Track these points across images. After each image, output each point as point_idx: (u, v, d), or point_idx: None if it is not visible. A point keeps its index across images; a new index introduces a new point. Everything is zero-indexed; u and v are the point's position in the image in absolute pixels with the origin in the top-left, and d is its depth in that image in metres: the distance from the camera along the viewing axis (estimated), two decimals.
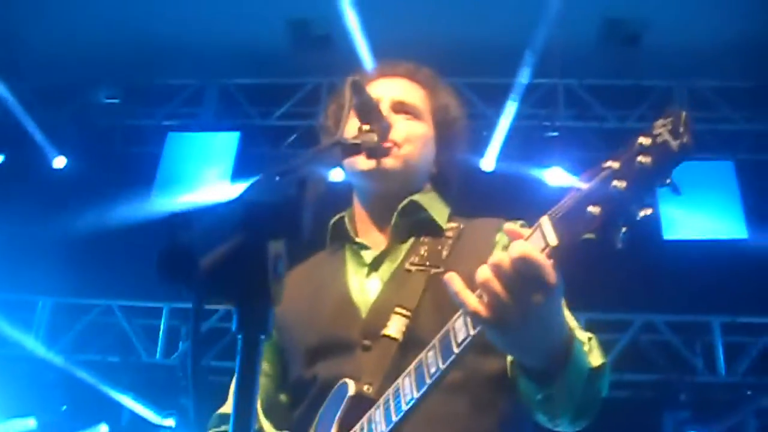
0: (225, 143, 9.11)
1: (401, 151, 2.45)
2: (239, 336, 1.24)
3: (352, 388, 2.17)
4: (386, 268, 2.42)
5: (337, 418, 2.16)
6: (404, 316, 2.24)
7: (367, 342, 2.26)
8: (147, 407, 8.61)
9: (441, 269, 2.30)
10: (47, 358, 8.79)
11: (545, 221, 1.69)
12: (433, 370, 1.93)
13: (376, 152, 2.30)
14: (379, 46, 8.50)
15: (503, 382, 2.18)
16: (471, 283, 2.12)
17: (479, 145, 8.93)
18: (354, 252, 2.50)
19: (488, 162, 8.93)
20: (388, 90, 2.54)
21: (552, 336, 1.80)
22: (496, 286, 1.67)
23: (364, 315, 2.32)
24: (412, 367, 2.01)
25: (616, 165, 1.60)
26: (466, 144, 2.72)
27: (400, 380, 2.04)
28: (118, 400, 8.57)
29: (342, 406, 2.17)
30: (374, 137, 2.16)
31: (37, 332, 9.07)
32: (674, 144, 1.55)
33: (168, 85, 9.63)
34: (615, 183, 1.58)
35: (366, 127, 2.15)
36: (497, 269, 1.67)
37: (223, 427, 2.48)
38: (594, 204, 1.60)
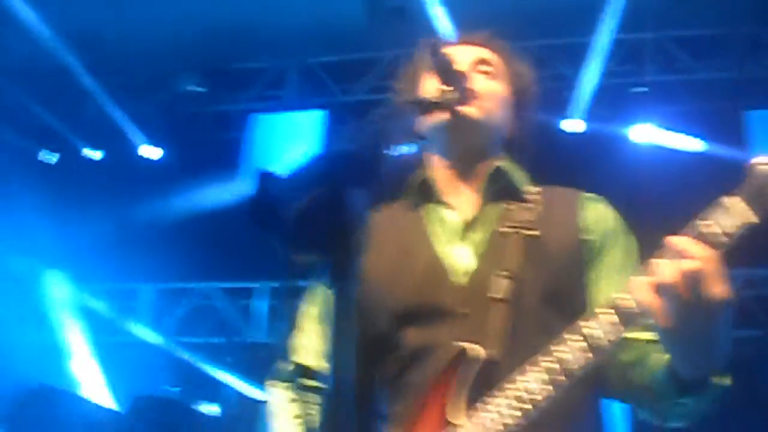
0: (311, 122, 9.21)
1: (482, 103, 2.41)
2: (331, 287, 1.27)
3: (480, 352, 2.16)
4: (478, 234, 2.39)
5: (463, 384, 2.15)
6: (508, 278, 2.25)
7: (466, 310, 2.25)
8: (253, 386, 8.84)
9: (536, 231, 2.32)
10: (155, 342, 9.07)
11: (730, 201, 1.80)
12: (612, 337, 1.96)
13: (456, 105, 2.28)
14: (456, 13, 8.47)
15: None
16: (562, 250, 2.30)
17: (563, 106, 8.83)
18: (435, 213, 2.46)
19: (574, 123, 8.81)
20: (467, 53, 2.52)
21: (719, 342, 1.86)
22: (678, 289, 1.74)
23: (462, 282, 2.30)
24: (570, 334, 2.02)
25: None
26: (538, 112, 2.71)
27: (559, 347, 2.03)
28: (225, 380, 8.82)
29: (470, 372, 2.16)
30: (456, 95, 2.16)
31: (141, 318, 9.35)
32: None
33: (250, 68, 9.76)
34: None
35: (446, 87, 2.14)
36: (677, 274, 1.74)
37: (299, 380, 2.42)
38: None
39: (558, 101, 8.90)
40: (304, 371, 2.37)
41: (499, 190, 2.46)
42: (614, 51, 8.75)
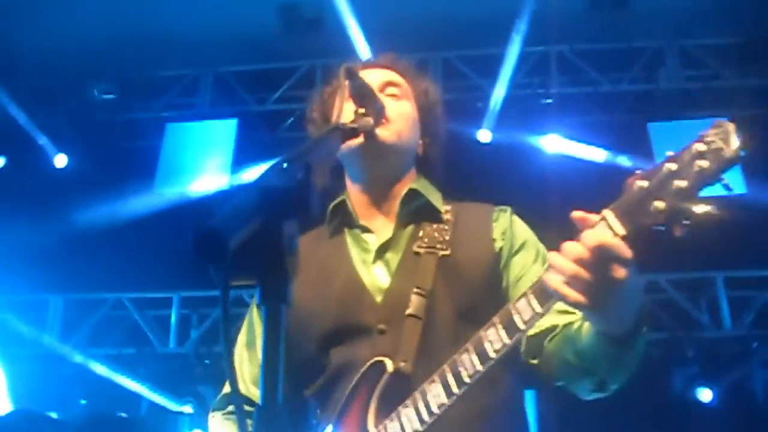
0: (223, 131, 9.19)
1: (393, 126, 2.53)
2: (263, 307, 1.36)
3: (390, 365, 2.28)
4: (393, 254, 2.52)
5: (375, 395, 2.27)
6: (421, 296, 2.38)
7: (383, 326, 2.37)
8: (164, 396, 8.75)
9: (448, 251, 2.46)
10: (63, 354, 8.90)
11: (609, 214, 1.90)
12: (498, 346, 2.12)
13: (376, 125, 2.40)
14: (370, 26, 8.57)
15: (509, 359, 2.31)
16: (476, 266, 2.44)
17: (475, 116, 9.01)
18: (354, 236, 2.59)
19: (485, 133, 9.01)
20: (375, 77, 2.62)
21: (634, 305, 2.00)
22: (585, 274, 1.86)
23: (378, 300, 2.42)
24: (469, 344, 2.17)
25: (674, 167, 1.84)
26: (445, 127, 2.83)
27: (457, 356, 2.17)
28: (135, 390, 8.70)
29: (380, 384, 2.27)
30: (370, 121, 2.28)
31: (51, 330, 9.17)
32: (728, 150, 1.80)
33: (163, 76, 9.69)
34: (677, 182, 1.82)
35: (362, 110, 2.26)
36: (580, 261, 1.86)
37: (229, 408, 2.58)
38: (658, 200, 1.84)
39: (472, 112, 9.07)
40: (241, 400, 2.45)
41: (413, 211, 2.59)
42: (522, 63, 8.99)
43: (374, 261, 2.52)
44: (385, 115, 2.45)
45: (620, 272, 1.85)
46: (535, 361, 2.36)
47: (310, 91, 8.93)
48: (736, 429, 8.04)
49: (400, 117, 2.57)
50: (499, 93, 8.90)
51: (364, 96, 2.29)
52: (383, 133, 2.48)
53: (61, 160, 9.52)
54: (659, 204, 1.82)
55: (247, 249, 1.30)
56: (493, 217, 2.57)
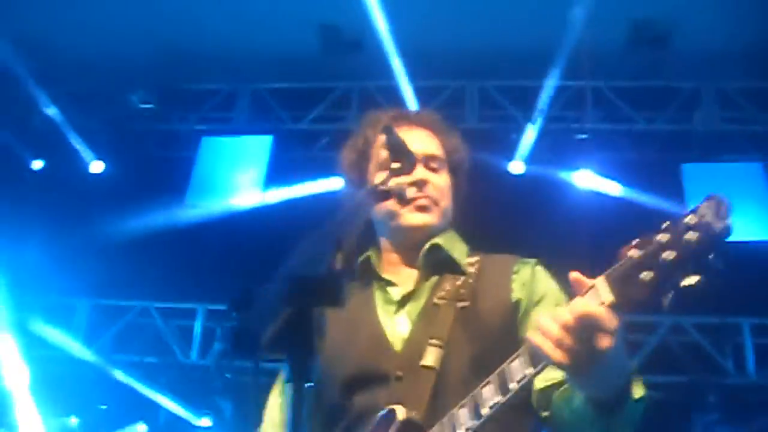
0: (258, 147, 9.26)
1: (441, 207, 2.67)
2: (289, 383, 1.50)
3: (401, 413, 2.33)
4: (414, 305, 2.60)
5: None
6: (438, 347, 2.44)
7: (400, 373, 2.43)
8: (183, 407, 8.81)
9: (467, 303, 2.53)
10: (87, 358, 8.98)
11: (601, 282, 1.93)
12: (491, 403, 2.16)
13: (417, 206, 2.59)
14: (409, 51, 8.63)
15: (528, 408, 2.41)
16: (493, 317, 2.50)
17: (508, 148, 9.03)
18: (381, 288, 2.68)
19: (517, 165, 9.02)
20: (414, 142, 2.63)
21: (618, 372, 2.02)
22: (568, 341, 1.90)
23: (397, 348, 2.50)
24: (466, 400, 2.22)
25: (665, 238, 1.85)
26: (469, 182, 2.90)
27: (456, 410, 2.23)
28: (155, 399, 8.76)
29: (392, 429, 2.32)
30: (404, 183, 2.41)
31: (76, 333, 9.25)
32: (717, 225, 1.78)
33: (201, 90, 9.80)
34: (665, 254, 1.83)
35: (396, 165, 2.31)
36: (566, 327, 1.90)
37: None
38: (647, 270, 1.85)
39: (506, 143, 9.09)
40: None
41: (437, 264, 2.66)
42: (558, 96, 9.00)
43: (396, 311, 2.60)
44: (431, 195, 2.61)
45: (604, 342, 1.88)
46: (546, 413, 2.40)
47: (346, 112, 9.05)
48: None
49: (444, 194, 2.69)
50: (534, 125, 8.92)
51: (399, 152, 2.35)
52: (432, 218, 2.63)
53: (97, 167, 9.62)
54: (647, 275, 1.84)
55: (279, 336, 1.47)
56: (515, 269, 2.61)
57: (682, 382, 8.38)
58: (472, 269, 2.63)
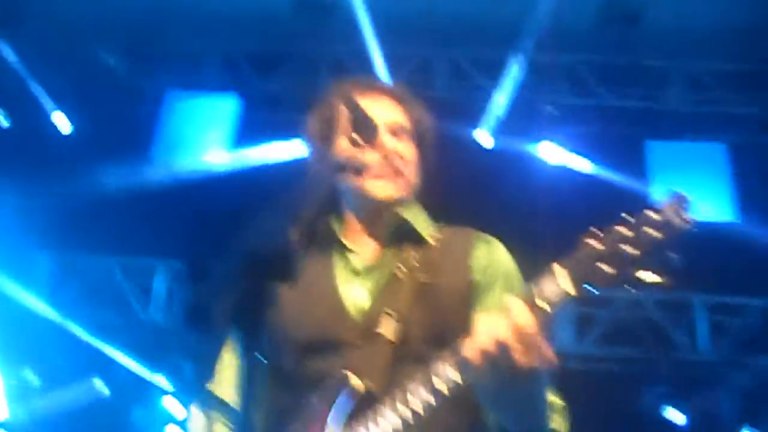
0: (225, 107, 9.22)
1: (405, 177, 2.63)
2: (241, 354, 1.57)
3: (356, 382, 2.34)
4: (375, 276, 2.58)
5: (334, 407, 2.33)
6: (396, 320, 2.44)
7: (358, 342, 2.43)
8: (141, 364, 8.83)
9: (428, 277, 2.52)
10: (47, 313, 8.96)
11: (558, 270, 1.98)
12: (419, 406, 2.16)
13: (379, 175, 2.55)
14: (380, 18, 8.60)
15: None
16: (452, 294, 2.49)
17: (476, 118, 9.05)
18: (341, 255, 2.65)
19: (483, 135, 9.03)
20: (379, 111, 2.64)
21: (536, 407, 2.10)
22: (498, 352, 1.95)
23: (356, 318, 2.49)
24: (423, 375, 2.19)
25: (626, 232, 1.91)
26: (434, 152, 2.90)
27: (412, 387, 2.21)
28: (113, 356, 8.78)
29: (345, 399, 2.33)
30: (367, 155, 2.42)
31: (37, 288, 9.22)
32: (679, 224, 1.86)
33: (170, 49, 9.71)
34: (626, 248, 1.90)
35: (357, 136, 2.32)
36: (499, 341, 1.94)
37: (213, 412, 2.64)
38: (608, 264, 1.91)
39: (472, 112, 9.11)
40: (219, 402, 2.52)
41: (400, 235, 2.64)
42: (529, 68, 9.01)
43: (355, 281, 2.58)
44: (397, 165, 2.57)
45: (531, 358, 1.92)
46: None
47: (315, 76, 8.96)
48: None
49: (409, 165, 2.65)
50: (502, 96, 8.93)
51: (365, 127, 2.36)
52: (400, 188, 2.59)
53: (61, 120, 9.53)
54: (608, 268, 1.90)
55: (232, 307, 1.54)
56: (475, 246, 2.61)
57: (635, 356, 8.49)
58: (434, 243, 2.63)
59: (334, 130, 2.65)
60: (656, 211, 1.86)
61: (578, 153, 9.04)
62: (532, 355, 1.93)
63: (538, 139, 9.05)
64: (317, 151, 2.72)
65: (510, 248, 2.62)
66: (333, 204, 2.72)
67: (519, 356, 1.92)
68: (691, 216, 1.84)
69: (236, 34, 9.42)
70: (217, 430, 2.57)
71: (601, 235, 1.94)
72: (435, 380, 2.15)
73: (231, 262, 1.55)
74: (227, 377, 2.63)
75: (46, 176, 8.67)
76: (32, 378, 8.34)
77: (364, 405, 2.31)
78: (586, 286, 1.93)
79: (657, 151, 8.94)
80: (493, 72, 9.09)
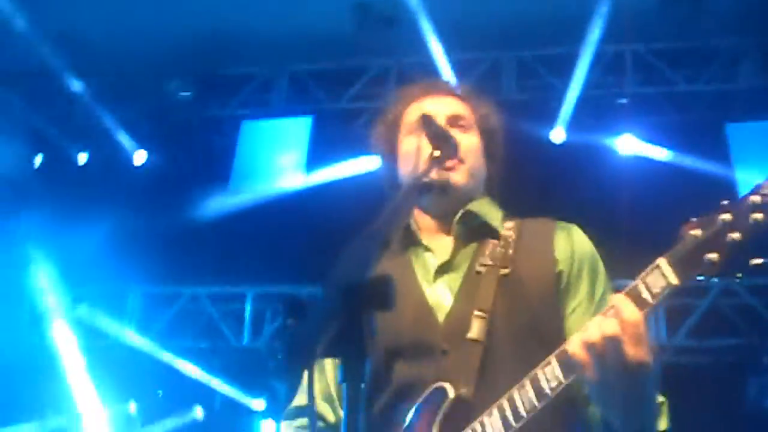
0: (298, 129, 9.28)
1: (466, 165, 2.63)
2: (344, 384, 1.52)
3: (451, 391, 2.31)
4: (454, 274, 2.56)
5: (437, 420, 2.30)
6: (482, 318, 2.40)
7: (446, 346, 2.40)
8: (238, 390, 8.93)
9: (508, 269, 2.50)
10: (141, 345, 9.11)
11: (663, 263, 1.95)
12: (554, 384, 2.13)
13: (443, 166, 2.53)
14: (443, 24, 8.58)
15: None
16: (537, 284, 2.46)
17: (549, 117, 8.96)
18: (418, 255, 2.63)
19: (558, 133, 8.94)
20: (439, 107, 2.69)
21: (645, 405, 2.06)
22: (607, 351, 1.95)
23: (441, 320, 2.46)
24: (526, 380, 2.18)
25: (729, 218, 1.86)
26: (503, 149, 2.89)
27: (515, 392, 2.19)
28: (210, 384, 8.89)
29: (442, 409, 2.30)
30: (446, 176, 2.53)
31: (130, 321, 9.39)
32: None
33: (237, 74, 9.80)
34: (731, 234, 1.85)
35: (437, 152, 2.32)
36: (609, 337, 1.94)
37: (298, 421, 2.66)
38: (712, 251, 1.87)
39: (546, 111, 9.02)
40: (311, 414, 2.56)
41: (473, 230, 2.62)
42: (597, 62, 8.89)
43: (435, 280, 2.56)
44: (459, 156, 2.54)
45: (637, 353, 1.92)
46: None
47: (383, 89, 8.97)
48: None
49: (470, 153, 2.65)
50: (573, 93, 8.83)
51: (439, 138, 2.35)
52: (457, 177, 2.59)
53: (140, 157, 9.70)
54: (713, 256, 1.87)
55: (333, 341, 1.51)
56: (555, 235, 2.58)
57: (735, 344, 8.31)
58: (509, 234, 2.59)
59: (399, 130, 2.72)
60: (756, 193, 1.82)
61: (656, 143, 8.87)
62: (641, 349, 1.92)
63: (613, 133, 8.90)
64: (384, 154, 2.79)
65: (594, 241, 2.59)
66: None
67: (629, 351, 1.91)
68: None
69: (302, 54, 9.47)
70: None
71: (702, 223, 1.91)
72: (541, 381, 2.13)
73: (326, 295, 1.55)
74: (320, 390, 2.64)
75: (129, 213, 8.84)
76: (135, 410, 8.50)
77: (460, 412, 2.29)
78: (692, 276, 1.91)
79: (738, 133, 8.72)
80: (562, 68, 8.99)
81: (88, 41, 9.04)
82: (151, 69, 9.48)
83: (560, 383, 2.09)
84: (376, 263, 2.62)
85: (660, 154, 8.86)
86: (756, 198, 1.83)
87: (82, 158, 9.81)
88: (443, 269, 2.56)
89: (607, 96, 9.17)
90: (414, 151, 2.59)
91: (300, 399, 2.68)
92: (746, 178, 8.21)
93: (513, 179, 2.86)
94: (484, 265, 2.50)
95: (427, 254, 2.62)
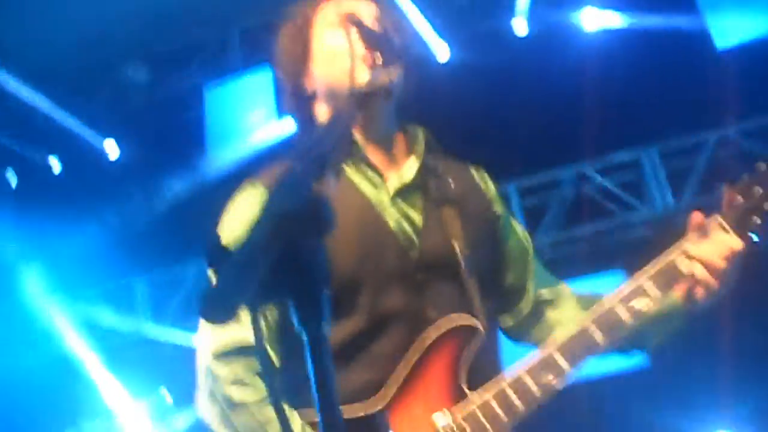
0: (260, 83, 9.07)
1: (402, 72, 2.42)
2: (304, 332, 1.26)
3: (479, 326, 2.25)
4: (414, 199, 2.39)
5: (465, 355, 2.22)
6: (458, 249, 2.32)
7: (421, 276, 2.27)
8: None
9: (460, 205, 2.40)
10: (158, 335, 9.00)
11: (722, 221, 2.29)
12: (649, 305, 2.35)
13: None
14: None
15: None
16: (482, 220, 2.44)
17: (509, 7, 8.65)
18: (361, 172, 2.42)
19: (519, 23, 8.65)
20: (362, 7, 2.47)
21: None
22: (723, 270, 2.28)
23: (411, 246, 2.30)
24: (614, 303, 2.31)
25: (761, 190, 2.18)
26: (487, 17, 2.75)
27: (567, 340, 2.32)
28: None
29: (471, 345, 2.22)
30: (385, 78, 2.28)
31: (144, 311, 9.26)
32: None
33: (189, 44, 9.54)
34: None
35: (379, 58, 2.23)
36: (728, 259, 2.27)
37: (242, 361, 2.32)
38: (756, 215, 2.26)
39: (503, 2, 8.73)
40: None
41: (434, 158, 2.50)
42: None
43: (395, 206, 2.37)
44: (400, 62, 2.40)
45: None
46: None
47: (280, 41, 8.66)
48: None
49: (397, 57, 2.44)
50: None
51: (378, 39, 2.23)
52: (390, 73, 2.36)
53: (111, 149, 9.50)
54: (757, 219, 2.24)
55: (273, 280, 1.22)
56: (478, 177, 2.55)
57: None
58: (441, 168, 2.50)
59: (308, 33, 2.51)
60: None
61: (620, 9, 8.59)
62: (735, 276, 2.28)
63: (577, 7, 8.63)
64: (288, 72, 2.57)
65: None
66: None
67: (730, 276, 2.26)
68: None
69: (247, 7, 9.23)
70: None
71: (741, 188, 2.28)
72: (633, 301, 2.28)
73: (258, 231, 1.24)
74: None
75: (114, 204, 8.71)
76: (167, 397, 8.42)
77: (484, 350, 2.25)
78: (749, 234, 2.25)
79: None
80: None
81: (33, 45, 8.82)
82: (101, 60, 9.25)
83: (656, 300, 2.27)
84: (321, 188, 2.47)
85: (625, 20, 8.58)
86: None
87: (56, 165, 9.60)
88: (402, 192, 2.38)
89: None
90: (344, 52, 2.33)
91: (234, 337, 2.27)
92: (718, 24, 8.00)
93: (480, 77, 2.70)
94: (440, 198, 2.38)
95: (373, 173, 2.41)
